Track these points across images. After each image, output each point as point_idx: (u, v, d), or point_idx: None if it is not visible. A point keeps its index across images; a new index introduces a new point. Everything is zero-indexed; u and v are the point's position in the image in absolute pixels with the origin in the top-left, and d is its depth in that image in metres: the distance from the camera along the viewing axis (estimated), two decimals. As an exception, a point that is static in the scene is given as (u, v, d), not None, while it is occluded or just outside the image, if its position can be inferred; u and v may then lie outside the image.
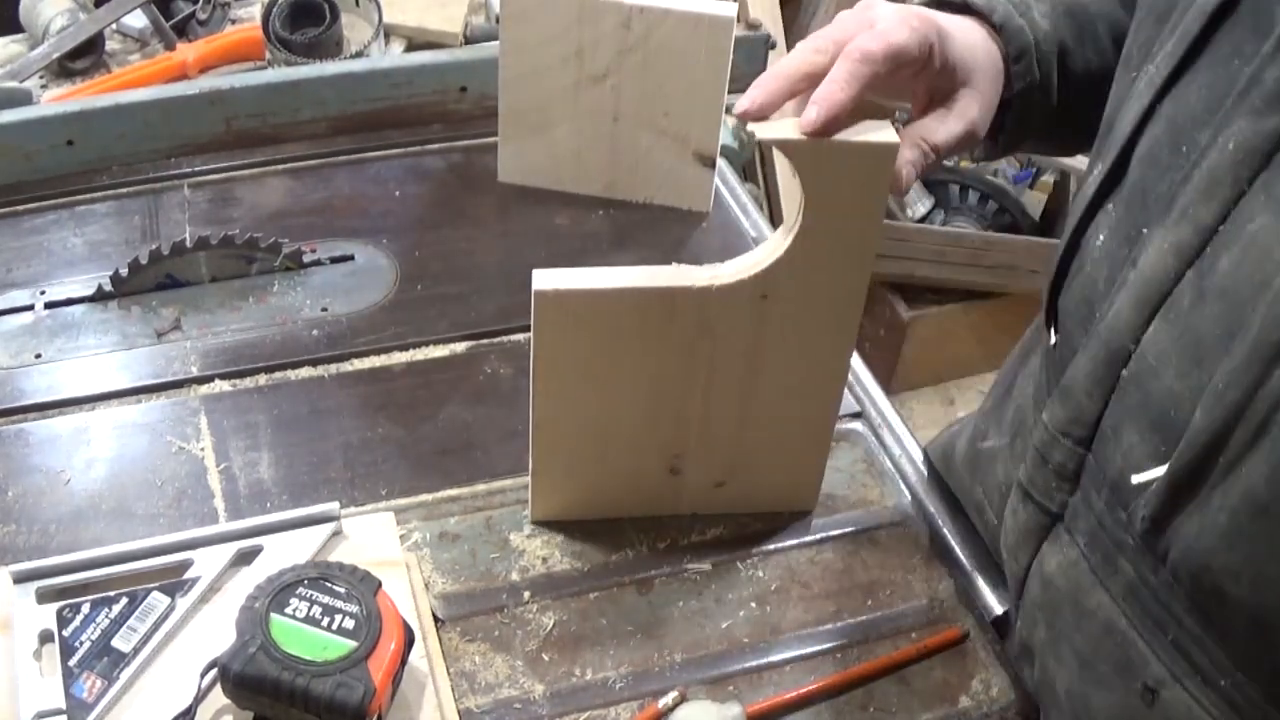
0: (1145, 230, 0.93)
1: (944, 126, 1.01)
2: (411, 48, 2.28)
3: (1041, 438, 1.02)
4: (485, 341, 1.30)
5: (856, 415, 1.27)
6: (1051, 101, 1.09)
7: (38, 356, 1.28)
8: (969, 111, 1.02)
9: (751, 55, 1.65)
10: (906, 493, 1.21)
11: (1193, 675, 0.91)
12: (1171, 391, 0.89)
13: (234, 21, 2.34)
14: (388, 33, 2.26)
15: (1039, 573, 1.05)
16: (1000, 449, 1.16)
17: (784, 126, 0.94)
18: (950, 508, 1.20)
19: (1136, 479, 0.91)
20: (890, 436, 1.26)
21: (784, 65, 0.97)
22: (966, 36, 1.05)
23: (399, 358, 1.28)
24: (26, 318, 1.32)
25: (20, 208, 1.47)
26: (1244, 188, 0.85)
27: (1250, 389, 0.81)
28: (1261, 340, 0.81)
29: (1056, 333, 1.06)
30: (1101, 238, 0.99)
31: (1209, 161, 0.87)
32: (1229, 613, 0.87)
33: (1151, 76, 0.94)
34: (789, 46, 3.26)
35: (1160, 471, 0.89)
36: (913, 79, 1.01)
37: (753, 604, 1.11)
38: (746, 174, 1.57)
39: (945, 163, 2.74)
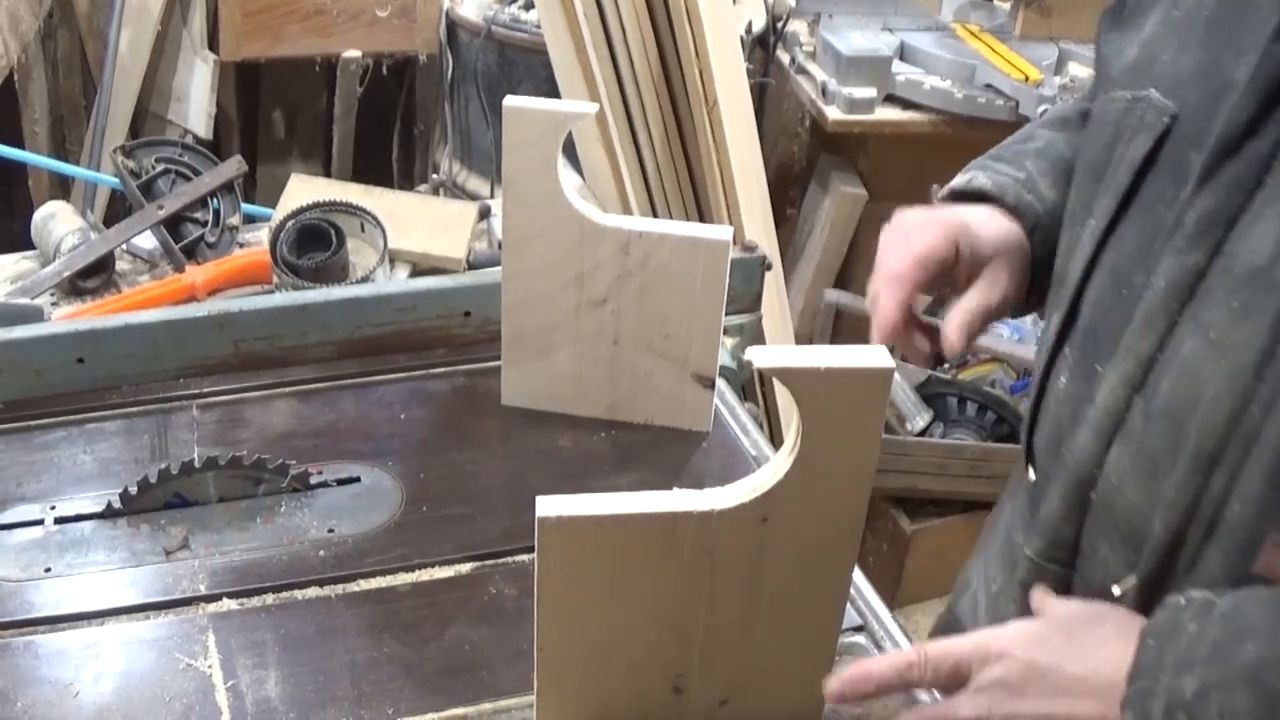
0: (1099, 368, 1.04)
1: (979, 293, 1.15)
2: (416, 273, 2.34)
3: (1027, 571, 1.13)
4: (490, 562, 1.31)
5: (859, 629, 1.28)
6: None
7: (47, 571, 1.29)
8: (1000, 279, 1.16)
9: (748, 276, 1.70)
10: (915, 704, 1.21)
11: None
12: (1134, 506, 1.00)
13: (242, 245, 2.41)
14: (393, 258, 2.32)
15: None
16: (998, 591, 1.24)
17: (780, 354, 0.97)
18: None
19: (1116, 590, 1.02)
20: (893, 649, 1.26)
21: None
22: (988, 222, 1.19)
23: (405, 578, 1.30)
24: (36, 532, 1.34)
25: (31, 423, 1.49)
26: (1175, 318, 0.97)
27: (1196, 494, 0.94)
28: (1199, 450, 0.93)
29: (1034, 470, 1.17)
30: (1063, 380, 1.11)
31: (1145, 300, 0.99)
32: None
33: (1093, 229, 1.07)
34: (784, 266, 3.32)
35: (1133, 580, 1.00)
36: (952, 269, 1.16)
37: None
38: (746, 393, 1.60)
39: (942, 375, 2.81)
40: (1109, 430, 1.03)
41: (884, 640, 1.27)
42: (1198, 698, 0.85)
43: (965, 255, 1.16)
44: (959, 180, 1.26)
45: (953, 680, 0.98)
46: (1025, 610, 1.09)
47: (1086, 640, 0.94)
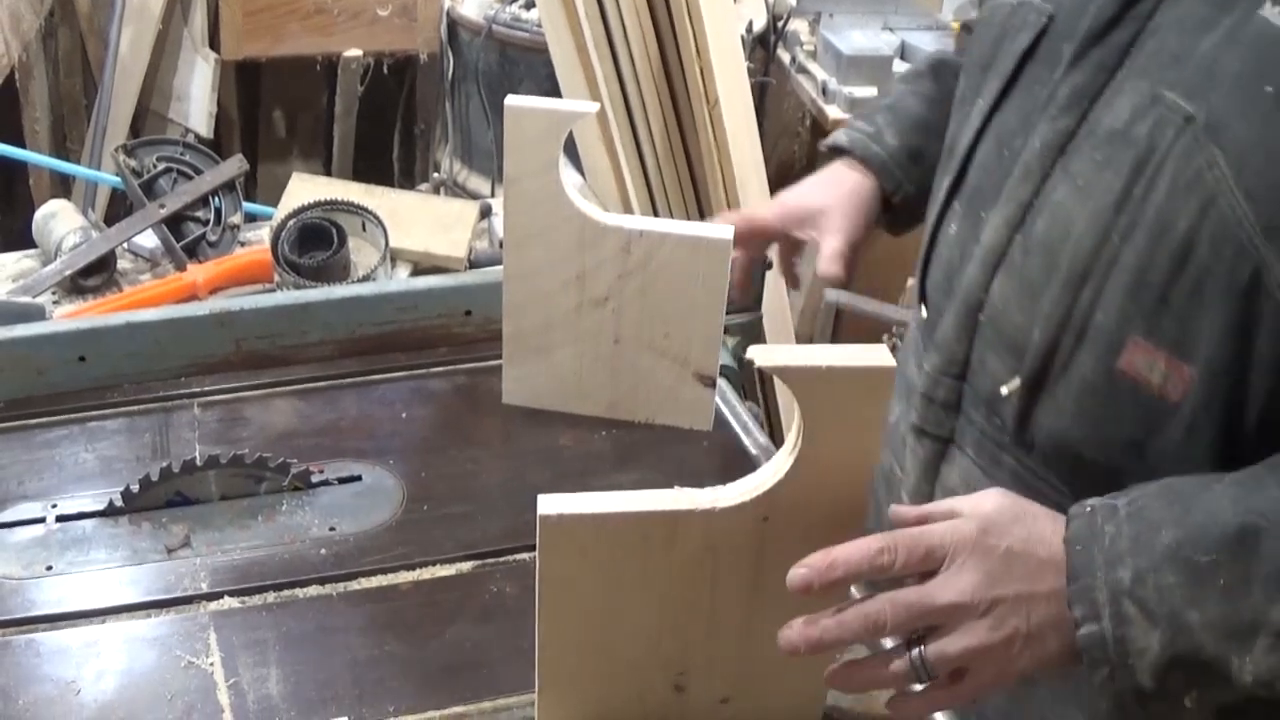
0: (984, 214, 1.25)
1: (831, 234, 1.46)
2: (417, 272, 2.34)
3: (926, 383, 1.32)
4: (491, 561, 1.32)
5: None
6: (923, 189, 1.45)
7: (49, 569, 1.29)
8: (835, 221, 1.47)
9: (750, 277, 1.69)
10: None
11: None
12: (1016, 323, 1.20)
13: (243, 244, 2.41)
14: (394, 257, 2.33)
15: (942, 491, 1.32)
16: (896, 419, 1.42)
17: (781, 353, 0.98)
18: (964, 716, 1.20)
19: (1004, 390, 1.22)
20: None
21: None
22: (816, 187, 1.54)
23: (406, 577, 1.30)
24: (38, 530, 1.34)
25: (32, 421, 1.49)
26: (1048, 171, 1.18)
27: (1068, 306, 1.13)
28: (1070, 273, 1.13)
29: (926, 307, 1.38)
30: (953, 228, 1.32)
31: (1024, 157, 1.20)
32: (1087, 472, 1.16)
33: (980, 107, 1.29)
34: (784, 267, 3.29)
35: (1018, 382, 1.20)
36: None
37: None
38: (746, 392, 1.61)
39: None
40: (993, 263, 1.22)
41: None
42: (1135, 582, 0.98)
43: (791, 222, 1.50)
44: (830, 138, 1.58)
45: (925, 565, 1.02)
46: (922, 410, 1.33)
47: (1034, 529, 1.04)
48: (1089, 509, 1.03)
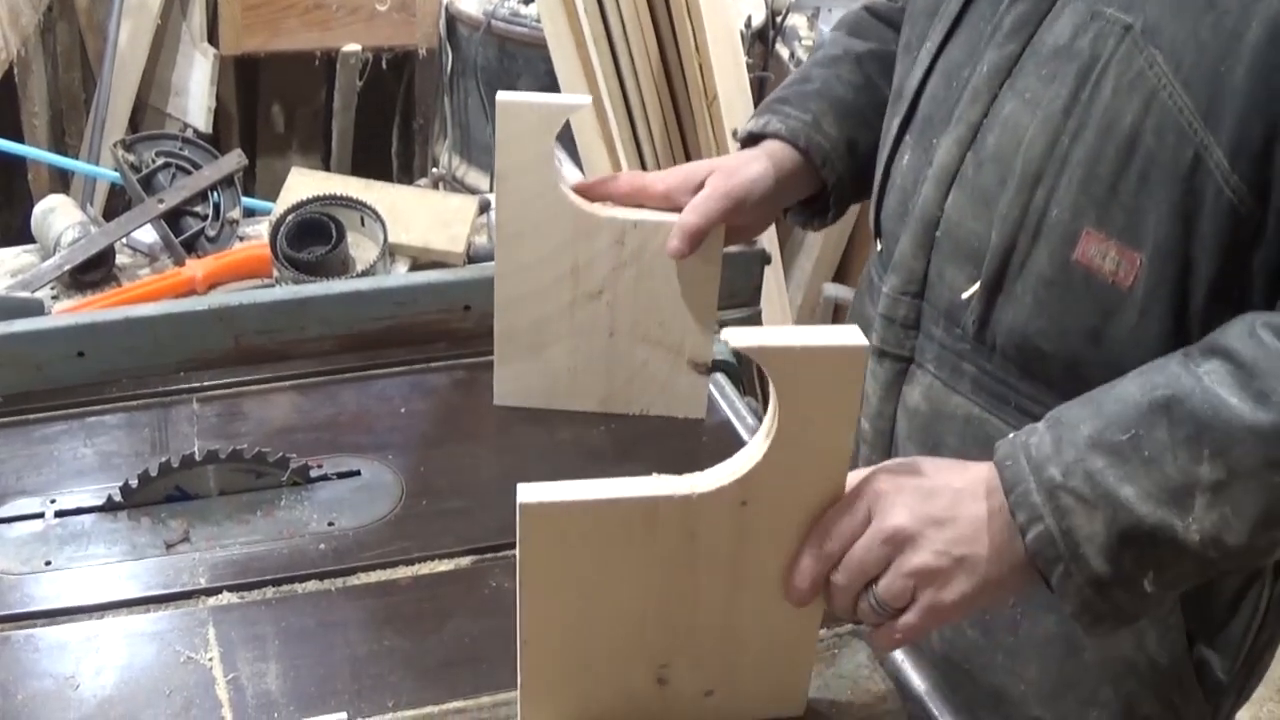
0: (935, 141, 1.32)
1: (709, 191, 1.40)
2: (416, 266, 2.34)
3: (885, 304, 1.38)
4: (490, 556, 1.32)
5: (858, 622, 1.28)
6: (858, 176, 1.51)
7: (47, 564, 1.29)
8: (721, 183, 1.41)
9: (747, 270, 1.70)
10: (910, 699, 1.22)
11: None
12: (973, 231, 1.27)
13: (242, 239, 2.41)
14: (392, 252, 2.32)
15: (904, 411, 1.39)
16: None
17: (756, 334, 0.98)
18: (955, 710, 1.21)
19: (965, 295, 1.28)
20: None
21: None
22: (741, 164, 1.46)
23: (405, 572, 1.30)
24: (36, 525, 1.34)
25: (31, 416, 1.49)
26: (996, 91, 1.26)
27: (1024, 206, 1.21)
28: (1024, 174, 1.21)
29: (880, 240, 1.44)
30: (906, 158, 1.38)
31: (972, 83, 1.28)
32: (1049, 364, 1.24)
33: (928, 49, 1.36)
34: (784, 260, 3.32)
35: (977, 286, 1.26)
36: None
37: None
38: (745, 387, 1.61)
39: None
40: (946, 180, 1.30)
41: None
42: (1066, 474, 1.05)
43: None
44: (754, 123, 1.53)
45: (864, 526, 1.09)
46: (882, 330, 1.39)
47: (946, 470, 1.11)
48: (1012, 435, 1.12)
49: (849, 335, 0.99)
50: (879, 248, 1.44)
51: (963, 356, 1.32)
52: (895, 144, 1.40)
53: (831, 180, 1.52)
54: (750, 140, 1.54)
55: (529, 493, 0.99)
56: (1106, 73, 1.16)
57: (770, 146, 1.50)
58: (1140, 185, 1.14)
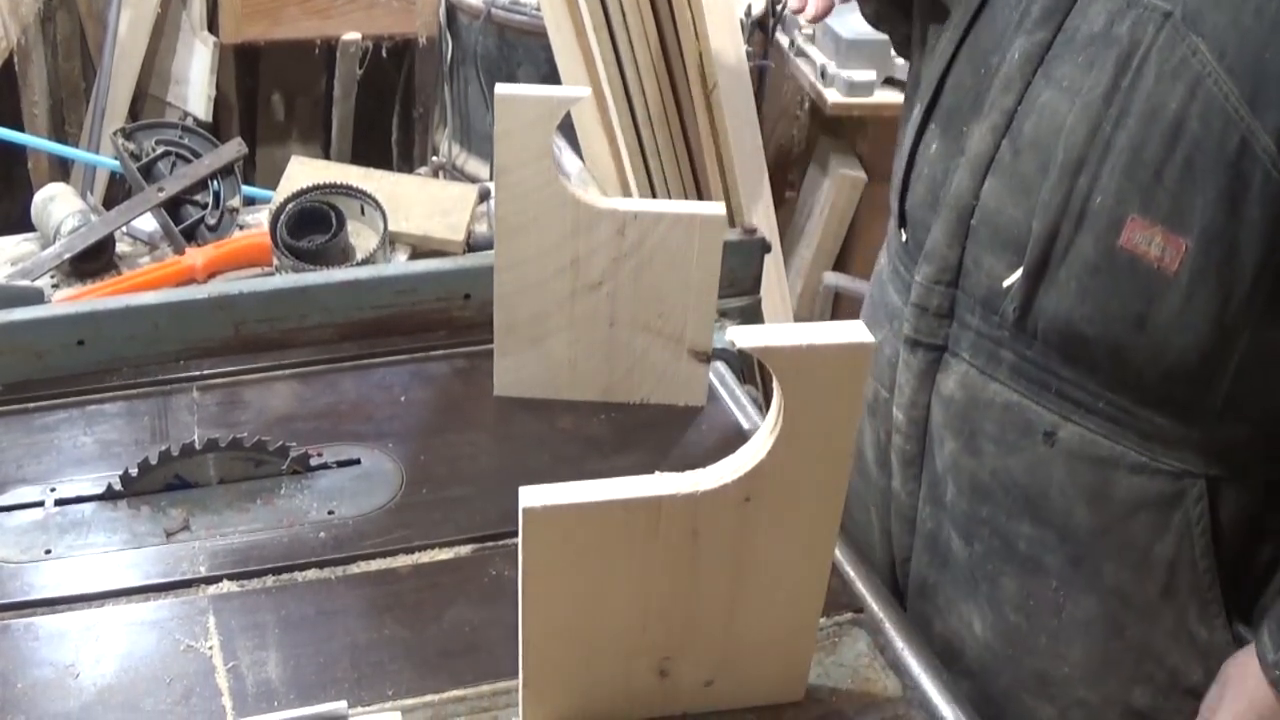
0: (965, 129, 1.32)
1: None
2: (416, 255, 2.34)
3: (918, 294, 1.38)
4: (490, 544, 1.32)
5: (858, 611, 1.29)
6: None
7: (47, 552, 1.30)
8: None
9: (747, 259, 1.70)
10: (910, 686, 1.22)
11: (1076, 410, 1.27)
12: (1012, 219, 1.27)
13: (242, 227, 2.41)
14: (392, 240, 2.33)
15: (939, 399, 1.39)
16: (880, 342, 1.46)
17: (762, 333, 0.98)
18: (955, 697, 1.21)
19: (1006, 283, 1.28)
20: (893, 631, 1.27)
21: None
22: None
23: (405, 560, 1.30)
24: (37, 514, 1.35)
25: (31, 405, 1.49)
26: (1030, 78, 1.26)
27: (1067, 193, 1.21)
28: (1066, 161, 1.21)
29: (906, 229, 1.43)
30: (934, 146, 1.38)
31: (1003, 70, 1.28)
32: (1092, 350, 1.24)
33: (950, 36, 1.36)
34: (784, 249, 3.31)
35: (1019, 272, 1.26)
36: None
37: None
38: (745, 376, 1.61)
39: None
40: (982, 168, 1.30)
41: (882, 622, 1.27)
42: None
43: None
44: None
45: None
46: (915, 321, 1.39)
47: None
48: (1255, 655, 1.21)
49: (854, 332, 0.99)
50: (904, 237, 1.44)
51: (1000, 344, 1.32)
52: (919, 132, 1.40)
53: None
54: None
55: (532, 496, 0.99)
56: (1148, 60, 1.16)
57: None
58: (1185, 171, 1.14)
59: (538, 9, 2.92)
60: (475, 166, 3.52)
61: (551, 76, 2.82)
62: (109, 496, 1.36)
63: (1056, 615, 1.33)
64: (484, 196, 2.53)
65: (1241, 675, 1.24)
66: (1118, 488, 1.26)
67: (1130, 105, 1.17)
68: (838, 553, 1.30)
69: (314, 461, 1.41)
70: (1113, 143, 1.18)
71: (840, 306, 3.53)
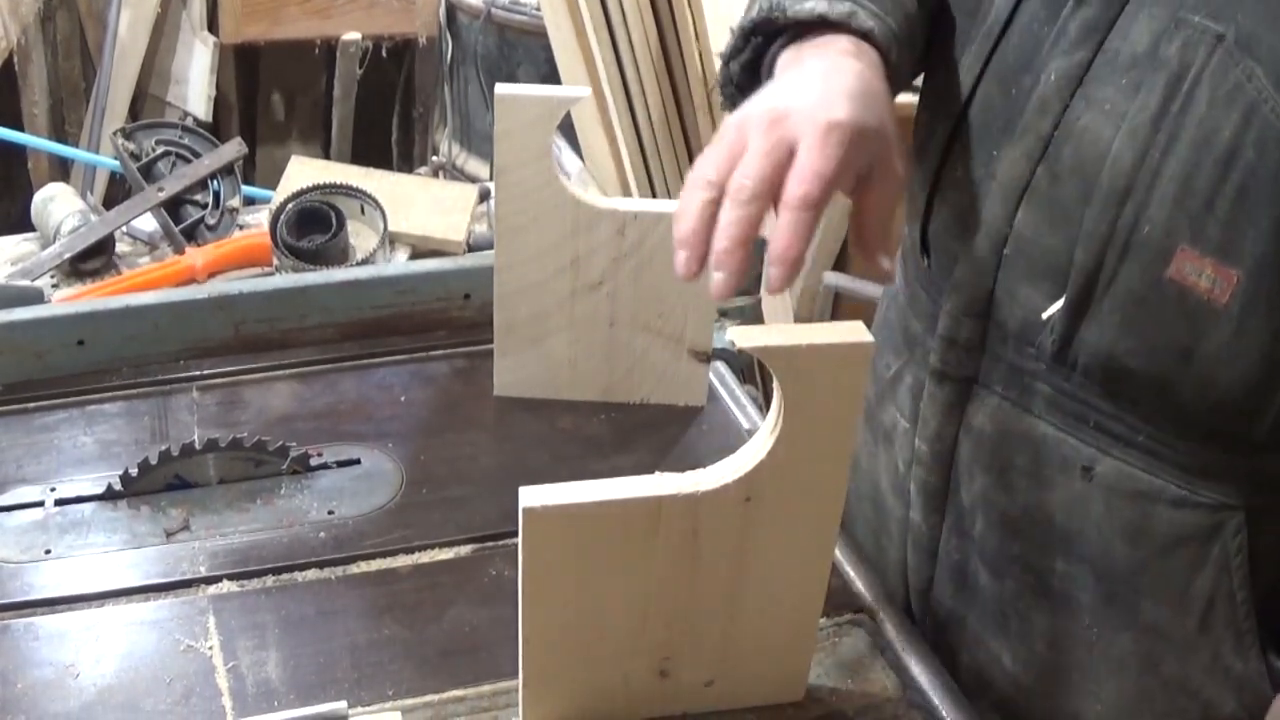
0: (995, 153, 1.24)
1: (884, 193, 1.16)
2: (415, 255, 2.34)
3: (946, 325, 1.30)
4: (490, 544, 1.32)
5: (858, 611, 1.29)
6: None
7: (47, 552, 1.29)
8: (897, 168, 1.16)
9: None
10: (910, 686, 1.22)
11: (1116, 444, 1.21)
12: (1050, 248, 1.20)
13: (242, 227, 2.41)
14: (392, 240, 2.33)
15: (968, 434, 1.32)
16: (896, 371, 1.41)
17: (762, 333, 0.98)
18: (954, 697, 1.21)
19: (1045, 315, 1.21)
20: (893, 631, 1.27)
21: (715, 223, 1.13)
22: (869, 97, 1.15)
23: (405, 560, 1.30)
24: (36, 514, 1.35)
25: (31, 405, 1.49)
26: (1068, 101, 1.18)
27: (1112, 222, 1.14)
28: (1111, 189, 1.14)
29: (929, 257, 1.35)
30: (959, 170, 1.29)
31: (1038, 92, 1.20)
32: (1135, 383, 1.18)
33: (975, 52, 1.27)
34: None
35: (1060, 303, 1.19)
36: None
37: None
38: (745, 375, 1.61)
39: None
40: (1015, 195, 1.22)
41: (882, 623, 1.27)
42: None
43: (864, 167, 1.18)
44: (838, 9, 1.20)
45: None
46: (943, 352, 1.31)
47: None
48: None
49: (854, 332, 0.99)
50: (926, 264, 1.36)
51: (1036, 376, 1.25)
52: (943, 155, 1.32)
53: (897, 61, 1.26)
54: (818, 24, 1.22)
55: (532, 496, 0.99)
56: (1200, 84, 1.10)
57: (861, 48, 1.21)
58: (1238, 201, 1.09)
59: (538, 9, 2.92)
60: (475, 166, 3.52)
61: (551, 76, 2.83)
62: (109, 496, 1.36)
63: (1089, 652, 1.30)
64: (484, 196, 2.53)
65: None
66: (1157, 521, 1.22)
67: (1180, 132, 1.11)
68: (838, 553, 1.30)
69: (314, 461, 1.41)
70: (1161, 171, 1.12)
71: (840, 306, 3.53)
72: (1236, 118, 1.08)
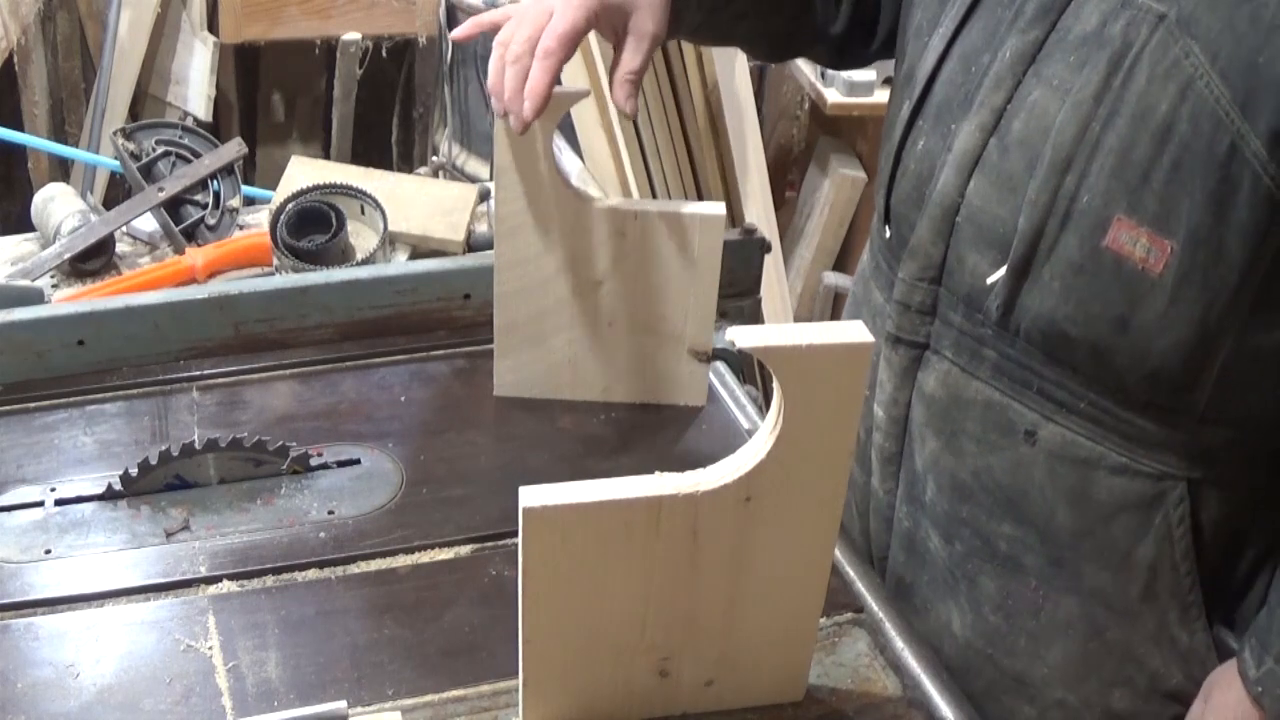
0: (953, 126, 1.31)
1: (635, 54, 1.36)
2: (416, 255, 2.34)
3: (901, 291, 1.37)
4: (490, 544, 1.32)
5: (858, 611, 1.29)
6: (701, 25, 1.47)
7: (47, 552, 1.30)
8: (645, 27, 1.35)
9: (747, 259, 1.70)
10: (910, 686, 1.22)
11: (1059, 410, 1.27)
12: (996, 216, 1.27)
13: (242, 227, 2.41)
14: (392, 240, 2.32)
15: (920, 398, 1.38)
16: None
17: (761, 333, 0.98)
18: (954, 697, 1.21)
19: (990, 280, 1.28)
20: (893, 631, 1.27)
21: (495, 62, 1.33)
22: None
23: (405, 560, 1.30)
24: (37, 514, 1.35)
25: (31, 405, 1.50)
26: (1020, 77, 1.26)
27: (1054, 191, 1.21)
28: (1054, 160, 1.20)
29: (890, 225, 1.43)
30: (920, 144, 1.37)
31: (994, 69, 1.28)
32: (1075, 350, 1.24)
33: (942, 33, 1.35)
34: (784, 249, 3.32)
35: (1003, 270, 1.26)
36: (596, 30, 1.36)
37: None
38: (745, 375, 1.61)
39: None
40: (968, 166, 1.29)
41: (882, 623, 1.27)
42: None
43: (605, 22, 1.35)
44: None
45: None
46: (898, 318, 1.38)
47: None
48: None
49: (854, 332, 0.99)
50: (888, 234, 1.43)
51: (983, 342, 1.31)
52: (907, 129, 1.39)
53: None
54: None
55: (532, 496, 0.99)
56: (1140, 61, 1.16)
57: None
58: (1174, 173, 1.14)
59: (538, 9, 2.91)
60: (475, 166, 3.52)
61: (551, 76, 2.82)
62: (109, 496, 1.36)
63: (1036, 616, 1.33)
64: (484, 196, 2.52)
65: (1225, 689, 1.24)
66: (1098, 488, 1.27)
67: (1120, 106, 1.17)
68: (838, 553, 1.30)
69: (314, 461, 1.41)
70: (1101, 143, 1.18)
71: (840, 306, 3.53)
72: (1173, 93, 1.14)
